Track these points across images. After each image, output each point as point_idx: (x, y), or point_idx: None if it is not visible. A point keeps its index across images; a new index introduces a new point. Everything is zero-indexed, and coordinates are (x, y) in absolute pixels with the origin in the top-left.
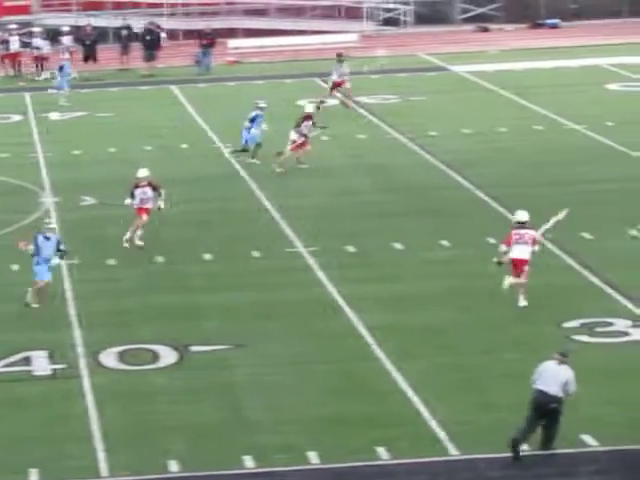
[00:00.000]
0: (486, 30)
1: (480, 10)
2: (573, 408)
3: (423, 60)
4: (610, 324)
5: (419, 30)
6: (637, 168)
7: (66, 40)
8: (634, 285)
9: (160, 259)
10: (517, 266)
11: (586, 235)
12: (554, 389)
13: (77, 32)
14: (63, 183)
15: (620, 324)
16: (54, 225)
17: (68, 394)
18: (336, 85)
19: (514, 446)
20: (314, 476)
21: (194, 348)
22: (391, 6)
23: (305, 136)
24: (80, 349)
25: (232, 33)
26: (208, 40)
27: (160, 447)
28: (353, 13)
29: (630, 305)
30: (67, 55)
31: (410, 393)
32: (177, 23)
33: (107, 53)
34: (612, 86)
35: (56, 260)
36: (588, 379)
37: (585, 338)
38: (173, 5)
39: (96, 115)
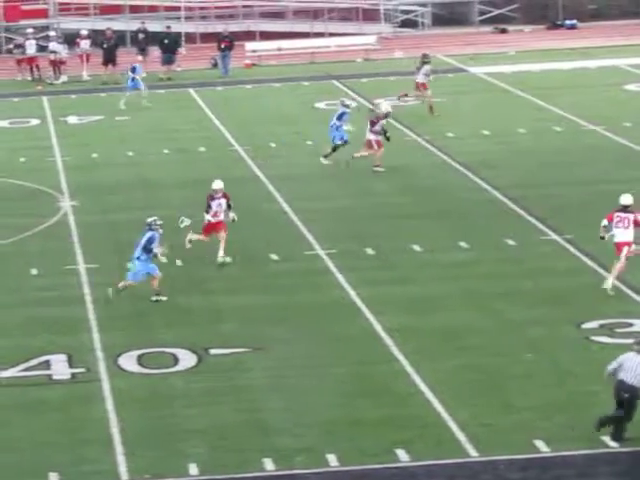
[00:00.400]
0: (504, 31)
1: (498, 11)
2: (593, 409)
3: (441, 61)
4: (630, 325)
5: (437, 32)
6: None
7: (84, 44)
8: None
9: (179, 262)
10: (619, 248)
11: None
12: (630, 379)
13: (95, 36)
14: (81, 187)
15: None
16: (161, 221)
17: (87, 398)
18: (419, 86)
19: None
20: (333, 478)
21: (213, 351)
22: (409, 8)
23: (380, 134)
24: (99, 353)
25: (249, 36)
26: (226, 43)
27: (180, 450)
28: (370, 15)
29: None
30: (140, 57)
31: (429, 395)
32: (194, 26)
33: (125, 57)
34: (631, 87)
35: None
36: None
37: (605, 339)
38: (190, 8)
39: (114, 119)
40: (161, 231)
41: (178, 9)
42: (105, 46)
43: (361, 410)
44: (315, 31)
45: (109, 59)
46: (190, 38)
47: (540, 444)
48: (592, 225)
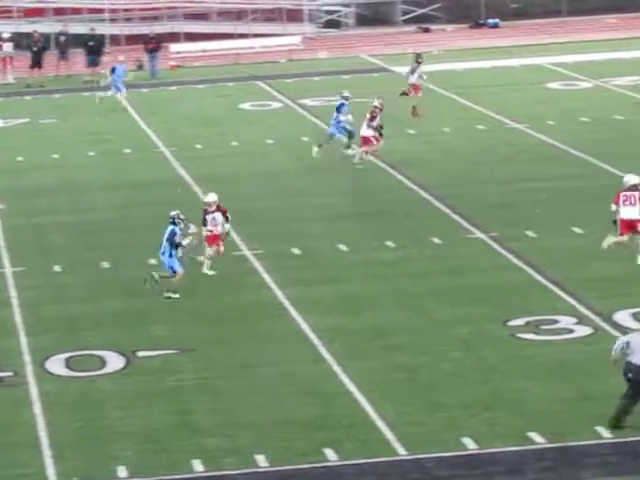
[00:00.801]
0: (427, 31)
1: (421, 11)
2: (520, 406)
3: (365, 61)
4: (555, 321)
5: (361, 32)
6: (578, 166)
7: (7, 47)
8: (578, 282)
9: (105, 264)
10: (625, 226)
11: (530, 233)
12: (636, 359)
13: (18, 39)
14: (7, 190)
15: (565, 321)
16: (184, 216)
17: (15, 401)
18: (413, 88)
19: (615, 425)
20: (262, 479)
21: (141, 353)
22: (332, 8)
23: (376, 129)
24: (27, 356)
25: (174, 37)
26: (153, 44)
27: (109, 453)
28: (294, 16)
29: (574, 302)
30: (122, 57)
31: (358, 394)
32: (119, 28)
33: (50, 59)
34: (553, 85)
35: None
36: (534, 376)
37: (531, 336)
38: (114, 10)
39: (39, 122)
40: (182, 225)
41: (102, 11)
42: (34, 49)
43: (290, 410)
44: (239, 32)
45: (37, 62)
46: (115, 40)
47: (468, 441)
48: (516, 222)
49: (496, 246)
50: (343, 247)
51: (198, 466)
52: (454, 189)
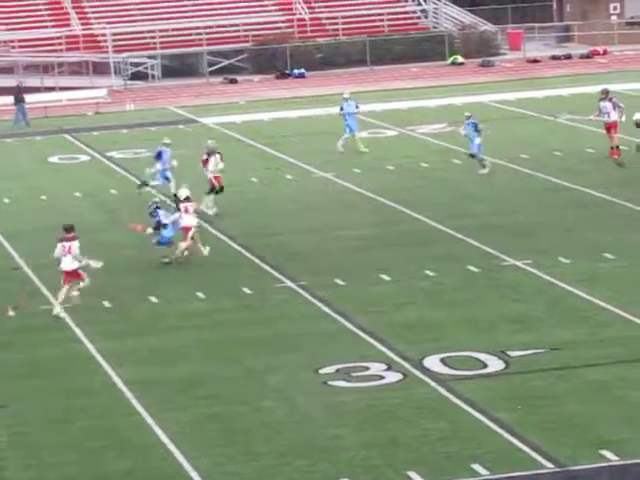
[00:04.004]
0: (234, 82)
1: (227, 62)
2: (333, 453)
3: (173, 113)
4: (366, 368)
5: (167, 83)
6: (384, 213)
7: None
8: (387, 329)
9: None
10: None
11: (338, 281)
12: None
13: None
14: None
15: (375, 368)
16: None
17: None
18: (610, 127)
19: None
20: None
21: None
22: (138, 60)
23: None
24: None
25: None
26: None
27: None
28: (101, 69)
29: (384, 349)
30: None
31: (171, 446)
32: None
33: None
34: (362, 134)
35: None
36: (347, 423)
37: (342, 383)
38: None
39: None
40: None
41: None
42: None
43: (103, 464)
44: (46, 85)
45: None
46: None
47: None
48: (325, 271)
49: (306, 294)
50: (153, 299)
51: None
52: (263, 239)
